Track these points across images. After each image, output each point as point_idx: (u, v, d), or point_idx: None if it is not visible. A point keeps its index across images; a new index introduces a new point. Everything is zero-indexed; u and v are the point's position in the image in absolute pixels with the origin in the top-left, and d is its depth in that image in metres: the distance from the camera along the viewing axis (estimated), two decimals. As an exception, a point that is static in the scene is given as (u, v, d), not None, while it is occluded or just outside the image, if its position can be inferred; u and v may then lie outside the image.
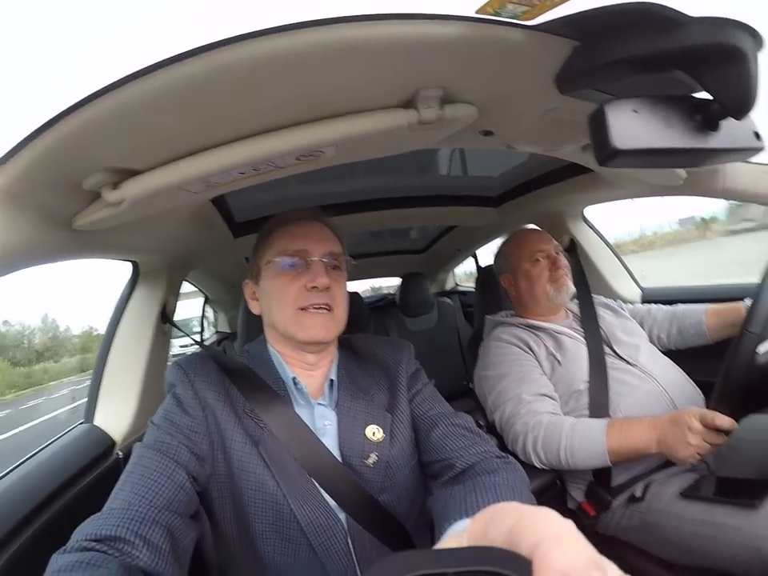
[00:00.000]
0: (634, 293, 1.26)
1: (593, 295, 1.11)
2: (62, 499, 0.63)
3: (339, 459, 0.60)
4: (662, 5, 0.35)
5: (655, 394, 0.86)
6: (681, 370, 0.93)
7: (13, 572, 0.51)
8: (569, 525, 0.15)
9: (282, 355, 0.67)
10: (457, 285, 2.59)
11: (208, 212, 0.82)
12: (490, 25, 0.37)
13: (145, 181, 0.49)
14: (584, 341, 0.96)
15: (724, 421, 0.67)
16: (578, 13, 0.37)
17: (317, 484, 0.58)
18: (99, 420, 0.81)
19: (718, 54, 0.38)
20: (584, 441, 0.77)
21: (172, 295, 0.93)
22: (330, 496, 0.58)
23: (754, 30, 0.39)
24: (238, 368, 0.64)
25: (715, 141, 0.43)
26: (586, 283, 1.11)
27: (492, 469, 0.59)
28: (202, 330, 1.98)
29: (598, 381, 0.89)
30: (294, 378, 0.64)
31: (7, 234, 0.46)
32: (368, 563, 0.57)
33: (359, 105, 0.46)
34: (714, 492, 0.76)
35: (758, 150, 0.47)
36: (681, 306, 1.04)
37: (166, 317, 0.91)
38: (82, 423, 0.82)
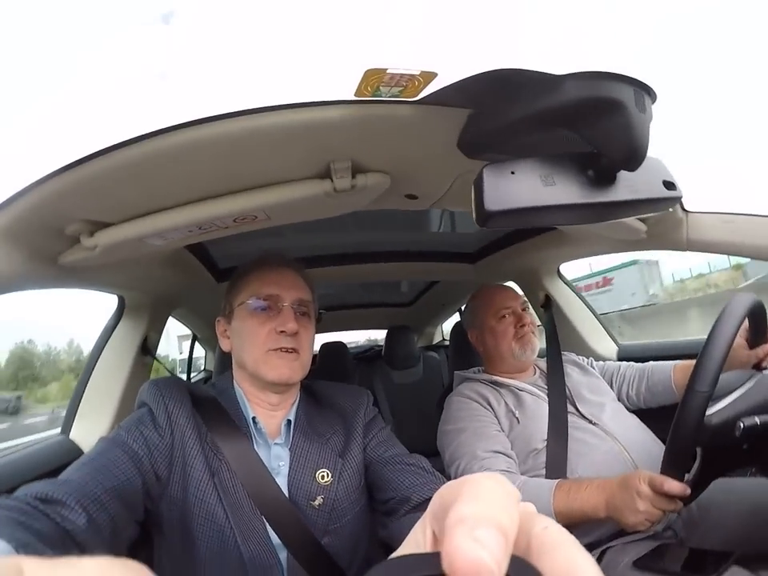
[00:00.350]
0: (609, 349, 1.26)
1: (563, 352, 1.12)
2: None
3: (288, 498, 0.63)
4: (526, 69, 0.38)
5: (614, 454, 0.85)
6: (648, 429, 0.92)
7: None
8: (496, 484, 0.14)
9: (247, 393, 0.70)
10: (444, 339, 2.59)
11: (186, 258, 0.90)
12: (377, 104, 0.43)
13: (114, 232, 0.58)
14: (546, 399, 0.96)
15: (673, 486, 0.64)
16: (456, 82, 0.40)
17: (265, 521, 0.61)
18: (74, 434, 0.87)
19: (593, 107, 0.39)
20: (531, 500, 0.75)
21: (154, 330, 0.99)
22: (276, 534, 0.61)
23: (633, 80, 0.39)
24: (207, 399, 0.68)
25: (613, 194, 0.43)
26: (557, 340, 1.13)
27: None
28: (189, 367, 2.01)
29: (556, 440, 0.88)
30: (254, 418, 0.67)
31: (1, 265, 0.55)
32: None
33: (281, 177, 0.54)
34: (683, 564, 0.72)
35: (670, 200, 0.47)
36: (651, 363, 1.04)
37: (146, 349, 0.97)
38: (59, 435, 0.88)
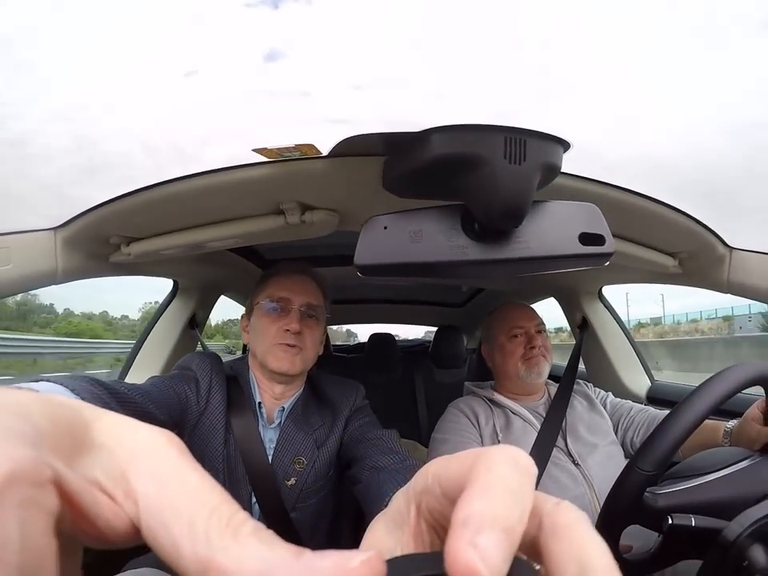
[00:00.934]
0: (640, 385, 1.15)
1: (580, 381, 1.07)
2: None
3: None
4: (388, 133, 0.40)
5: (583, 501, 0.82)
6: None
7: None
8: (512, 467, 0.13)
9: (257, 380, 0.81)
10: None
11: (227, 255, 1.05)
12: (295, 162, 0.50)
13: (140, 245, 0.74)
14: (537, 427, 0.95)
15: None
16: (351, 137, 0.44)
17: (252, 491, 0.74)
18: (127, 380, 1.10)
19: (452, 162, 0.38)
20: None
21: (202, 309, 1.20)
22: (258, 503, 0.74)
23: (504, 127, 0.37)
24: (234, 379, 0.80)
25: (497, 252, 0.40)
26: (575, 368, 1.08)
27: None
28: (245, 345, 2.22)
29: None
30: (259, 403, 0.79)
31: (65, 262, 0.74)
32: None
33: (248, 212, 0.66)
34: None
35: (591, 256, 0.42)
36: (663, 413, 0.94)
37: (193, 324, 1.18)
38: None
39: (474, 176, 0.38)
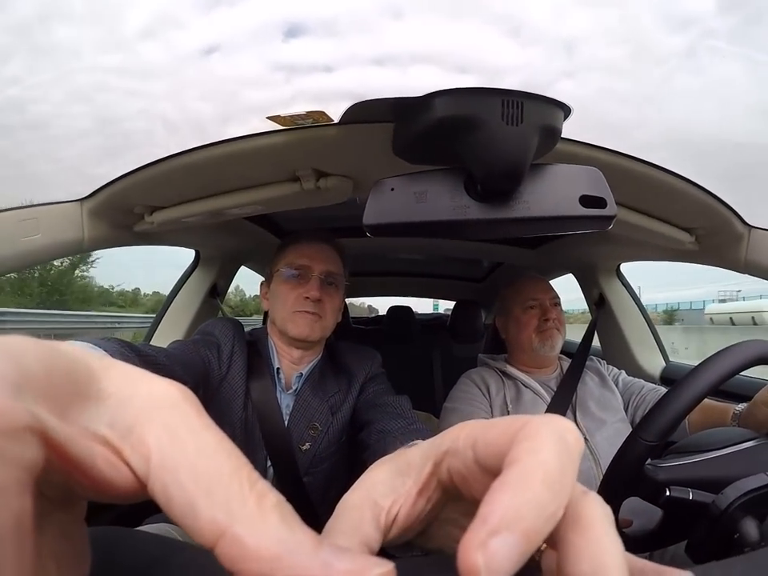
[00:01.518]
0: (654, 365, 1.14)
1: (593, 358, 1.06)
2: None
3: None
4: (391, 98, 0.41)
5: (588, 476, 0.83)
6: None
7: None
8: (558, 450, 0.12)
9: (276, 346, 0.82)
10: None
11: (247, 225, 1.08)
12: (308, 129, 0.52)
13: (164, 213, 0.77)
14: (548, 401, 0.95)
15: None
16: (361, 102, 0.45)
17: (267, 455, 0.76)
18: None
19: (452, 124, 0.39)
20: None
21: (223, 278, 1.24)
22: (273, 468, 0.77)
23: (501, 90, 0.38)
24: (254, 345, 0.82)
25: (499, 212, 0.41)
26: (589, 344, 1.07)
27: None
28: (266, 314, 2.27)
29: None
30: (278, 369, 0.80)
31: (91, 232, 0.78)
32: None
33: (266, 179, 0.67)
34: None
35: (593, 218, 0.42)
36: None
37: (215, 293, 1.23)
38: None
39: (474, 138, 0.39)
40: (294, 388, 0.81)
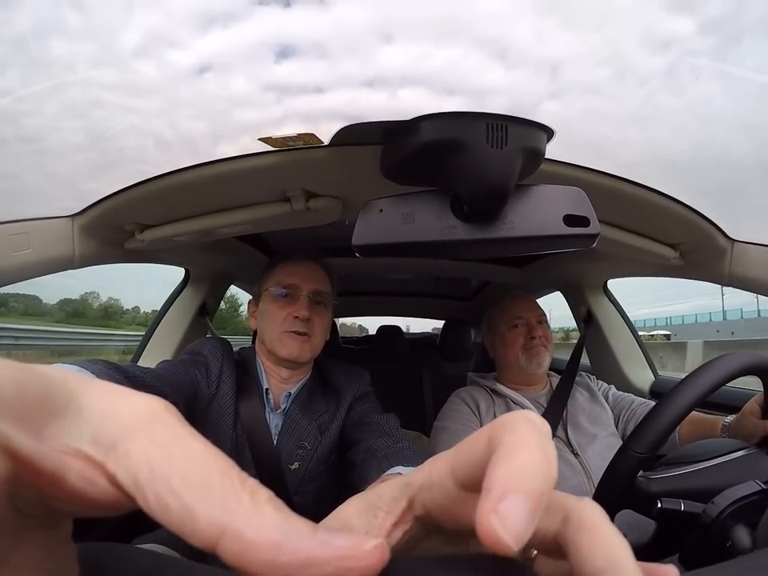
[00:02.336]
0: (643, 379, 1.15)
1: (582, 373, 1.07)
2: None
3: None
4: (379, 121, 0.42)
5: (581, 491, 0.83)
6: None
7: None
8: (530, 428, 0.13)
9: (264, 366, 0.82)
10: None
11: (236, 244, 1.08)
12: (300, 151, 0.53)
13: (154, 231, 0.77)
14: (538, 416, 0.95)
15: None
16: (351, 125, 0.46)
17: (257, 477, 0.77)
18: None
19: (438, 147, 0.40)
20: None
21: (212, 297, 1.24)
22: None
23: (486, 114, 0.39)
24: (242, 365, 0.82)
25: (485, 232, 0.42)
26: (578, 360, 1.08)
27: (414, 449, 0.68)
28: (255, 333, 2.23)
29: None
30: (266, 389, 0.80)
31: (82, 248, 0.78)
32: None
33: (256, 199, 0.68)
34: None
35: (577, 237, 0.43)
36: None
37: (204, 312, 1.22)
38: None
39: (460, 160, 0.40)
40: (282, 407, 0.80)
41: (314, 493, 0.79)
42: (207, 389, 0.74)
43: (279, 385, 0.81)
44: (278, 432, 0.78)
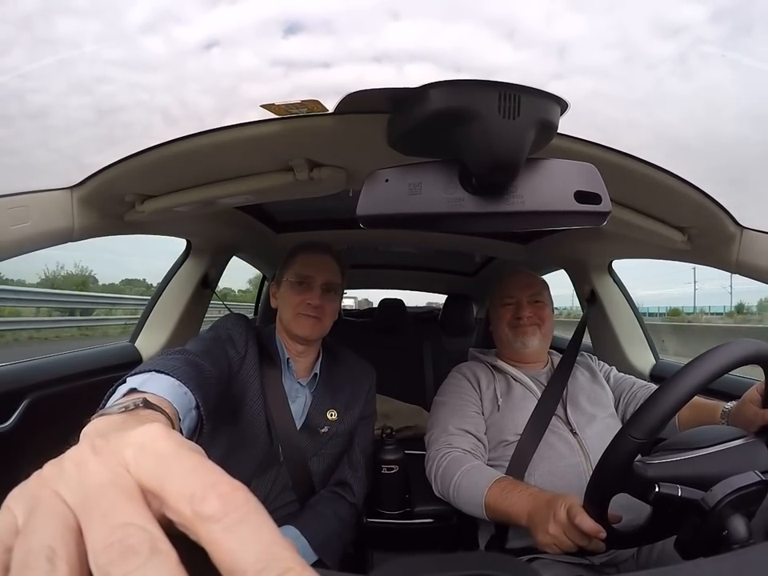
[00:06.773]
0: (645, 362, 1.16)
1: (584, 353, 1.08)
2: (81, 381, 0.96)
3: (302, 422, 0.90)
4: (387, 88, 0.41)
5: (578, 470, 0.84)
6: None
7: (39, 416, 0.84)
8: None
9: (283, 341, 0.95)
10: None
11: (240, 215, 1.09)
12: (304, 118, 0.52)
13: (155, 202, 0.78)
14: (538, 395, 0.97)
15: (584, 522, 0.61)
16: (356, 92, 0.45)
17: (274, 437, 0.86)
18: (138, 343, 1.17)
19: (448, 116, 0.39)
20: (470, 485, 0.80)
21: (214, 268, 1.25)
22: (281, 448, 0.87)
23: (497, 83, 0.38)
24: (263, 341, 0.93)
25: (494, 205, 0.41)
26: (580, 339, 1.09)
27: (329, 497, 0.90)
28: (257, 305, 2.13)
29: (530, 439, 0.89)
30: (288, 359, 0.93)
31: (81, 220, 0.78)
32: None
33: (258, 169, 0.68)
34: None
35: (588, 214, 0.42)
36: None
37: (206, 283, 1.23)
38: (127, 342, 1.19)
39: (470, 130, 0.40)
40: (306, 382, 0.94)
41: (329, 457, 0.93)
42: (236, 357, 0.84)
43: (296, 357, 0.95)
44: (300, 398, 0.92)
